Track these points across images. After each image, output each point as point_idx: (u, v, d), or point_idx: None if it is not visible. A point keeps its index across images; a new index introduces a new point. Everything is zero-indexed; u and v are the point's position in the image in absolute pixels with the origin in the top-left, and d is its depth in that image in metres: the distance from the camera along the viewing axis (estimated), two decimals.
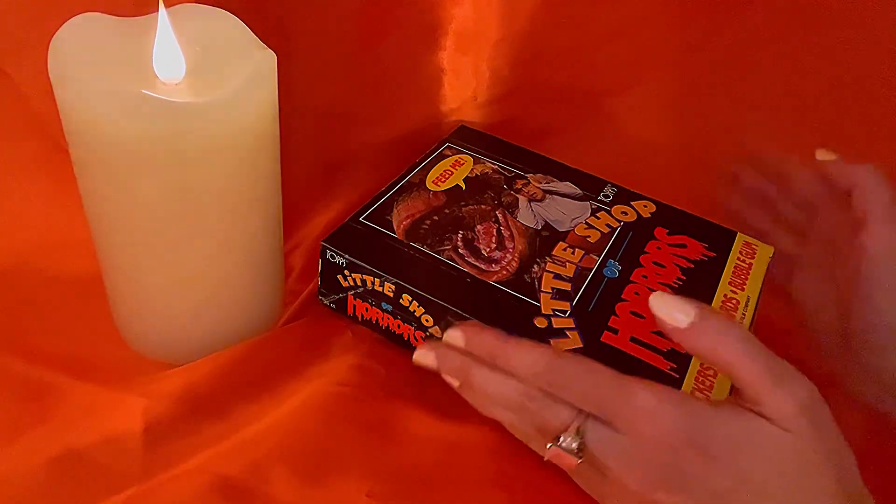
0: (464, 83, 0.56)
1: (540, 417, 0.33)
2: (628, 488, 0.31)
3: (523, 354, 0.33)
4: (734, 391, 0.31)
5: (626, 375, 0.31)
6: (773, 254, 0.46)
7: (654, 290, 0.42)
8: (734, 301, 0.42)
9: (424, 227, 0.45)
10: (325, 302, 0.45)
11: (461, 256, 0.43)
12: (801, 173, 0.45)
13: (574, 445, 0.31)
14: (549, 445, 0.32)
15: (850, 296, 0.40)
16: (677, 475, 0.30)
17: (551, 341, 0.38)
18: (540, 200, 0.48)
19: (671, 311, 0.31)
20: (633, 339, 0.39)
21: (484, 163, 0.51)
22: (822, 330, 0.43)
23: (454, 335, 0.35)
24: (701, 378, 0.37)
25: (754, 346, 0.30)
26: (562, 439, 0.32)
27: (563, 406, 0.32)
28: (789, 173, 0.46)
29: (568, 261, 0.43)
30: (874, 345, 0.39)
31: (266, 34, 0.38)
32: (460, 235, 0.44)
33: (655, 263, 0.44)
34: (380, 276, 0.41)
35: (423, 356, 0.36)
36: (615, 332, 0.39)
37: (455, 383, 0.36)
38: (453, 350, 0.35)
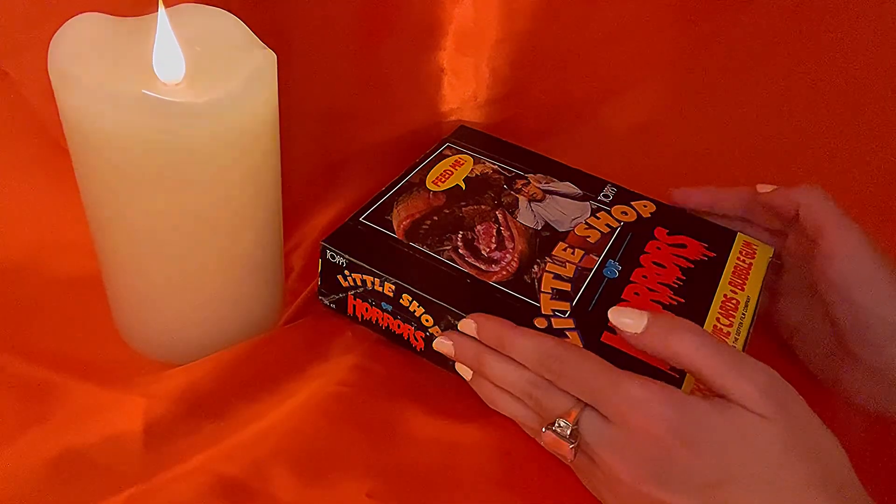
0: (464, 83, 0.56)
1: (542, 404, 0.35)
2: (619, 479, 0.32)
3: (525, 341, 0.35)
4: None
5: (620, 369, 0.33)
6: (774, 254, 0.46)
7: (657, 292, 0.42)
8: (734, 301, 0.42)
9: (424, 227, 0.45)
10: (325, 302, 0.45)
11: (461, 257, 0.43)
12: (760, 202, 0.46)
13: (568, 431, 0.33)
14: (544, 429, 0.34)
15: (832, 304, 0.41)
16: (665, 467, 0.31)
17: None
18: (540, 200, 0.48)
19: (625, 319, 0.34)
20: None
21: (484, 163, 0.51)
22: (813, 345, 0.44)
23: (467, 323, 0.38)
24: None
25: (707, 340, 0.32)
26: (556, 424, 0.33)
27: (563, 395, 0.34)
28: (754, 203, 0.46)
29: (568, 261, 0.43)
30: (870, 344, 0.39)
31: (266, 34, 0.38)
32: (460, 235, 0.44)
33: (655, 263, 0.44)
34: (380, 276, 0.41)
35: (442, 344, 0.39)
36: (615, 332, 0.39)
37: (467, 375, 0.39)
38: (469, 340, 0.38)
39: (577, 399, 0.34)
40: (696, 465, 0.30)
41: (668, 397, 0.31)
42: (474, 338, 0.38)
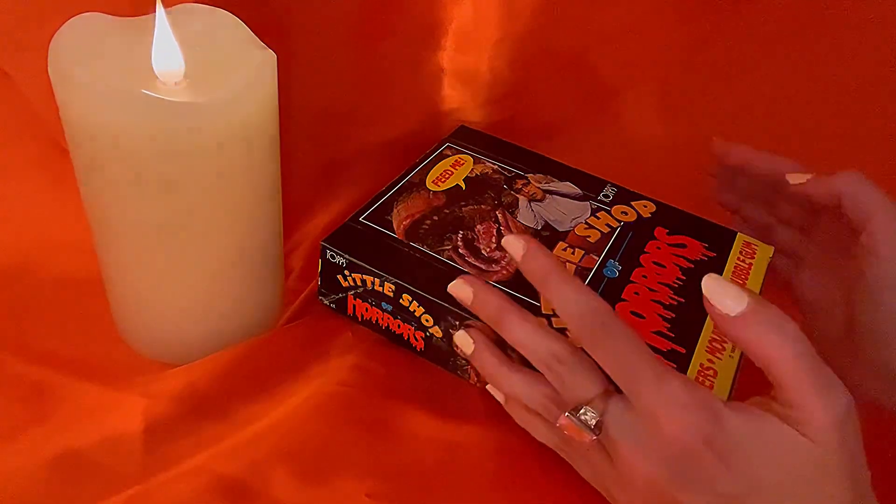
0: (464, 83, 0.56)
1: (564, 381, 0.32)
2: (636, 475, 0.31)
3: (574, 292, 0.32)
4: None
5: (664, 363, 0.31)
6: (774, 252, 0.46)
7: (657, 292, 0.42)
8: None
9: (424, 227, 0.45)
10: (325, 302, 0.45)
11: (461, 256, 0.43)
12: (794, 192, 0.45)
13: (594, 422, 0.31)
14: (566, 413, 0.31)
15: (855, 293, 0.40)
16: (690, 473, 0.30)
17: None
18: (540, 200, 0.48)
19: (723, 296, 0.29)
20: None
21: (484, 163, 0.51)
22: (826, 326, 0.43)
23: (515, 243, 0.34)
24: (700, 378, 0.37)
25: (804, 349, 0.29)
26: (582, 411, 0.31)
27: (591, 376, 0.31)
28: (784, 178, 0.45)
29: (568, 261, 0.43)
30: (880, 340, 0.39)
31: (266, 34, 0.38)
32: (460, 235, 0.44)
33: (655, 263, 0.44)
34: (380, 276, 0.41)
35: (460, 288, 0.35)
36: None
37: (469, 347, 0.36)
38: (492, 290, 0.34)
39: (605, 385, 0.31)
40: (722, 475, 0.29)
41: (707, 406, 0.29)
42: (495, 294, 0.34)
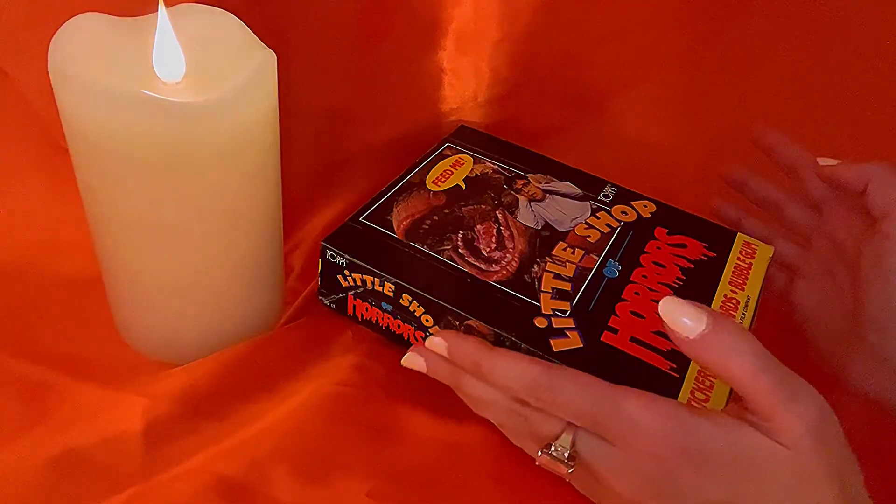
0: (464, 83, 0.56)
1: (530, 424, 0.33)
2: (621, 496, 0.31)
3: (508, 368, 0.32)
4: (735, 397, 0.30)
5: (617, 386, 0.31)
6: (773, 254, 0.46)
7: (657, 291, 0.42)
8: (734, 301, 0.42)
9: (424, 227, 0.45)
10: (325, 302, 0.45)
11: (461, 256, 0.43)
12: (812, 171, 0.45)
13: (565, 455, 0.31)
14: (539, 453, 0.32)
15: (865, 285, 0.40)
16: (670, 485, 0.30)
17: (551, 341, 0.38)
18: (540, 200, 0.48)
19: (680, 318, 0.30)
20: (633, 339, 0.39)
21: (484, 163, 0.51)
22: (823, 330, 0.43)
23: (436, 343, 0.35)
24: (701, 378, 0.37)
25: (767, 362, 0.29)
26: (553, 448, 0.32)
27: (554, 416, 0.32)
28: (803, 169, 0.46)
29: (568, 261, 0.43)
30: (890, 330, 0.39)
31: (266, 34, 0.38)
32: (460, 235, 0.44)
33: (655, 263, 0.44)
34: (380, 276, 0.41)
35: (412, 360, 0.37)
36: (615, 332, 0.39)
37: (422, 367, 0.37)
38: (443, 359, 0.35)
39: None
40: (701, 483, 0.29)
41: (671, 416, 0.29)
42: None
